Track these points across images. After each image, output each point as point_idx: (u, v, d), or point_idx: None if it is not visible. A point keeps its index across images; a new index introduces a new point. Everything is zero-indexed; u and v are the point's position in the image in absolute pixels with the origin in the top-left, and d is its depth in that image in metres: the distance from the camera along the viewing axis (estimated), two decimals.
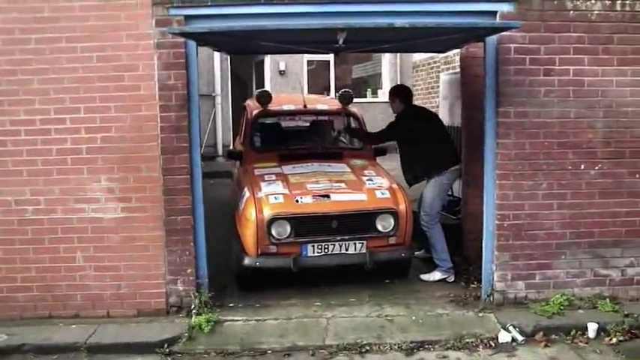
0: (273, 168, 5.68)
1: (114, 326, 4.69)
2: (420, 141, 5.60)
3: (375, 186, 5.35)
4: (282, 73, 13.26)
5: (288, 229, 4.96)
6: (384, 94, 14.58)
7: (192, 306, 4.79)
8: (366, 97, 14.72)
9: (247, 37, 4.58)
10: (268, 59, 12.95)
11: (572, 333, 4.49)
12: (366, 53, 13.60)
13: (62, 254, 4.82)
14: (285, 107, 6.62)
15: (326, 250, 5.00)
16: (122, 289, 4.86)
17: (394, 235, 5.13)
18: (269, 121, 6.71)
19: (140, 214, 4.82)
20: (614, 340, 4.41)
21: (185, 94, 4.73)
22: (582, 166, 4.88)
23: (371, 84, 15.28)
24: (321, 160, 5.80)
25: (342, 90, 6.82)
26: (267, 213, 4.95)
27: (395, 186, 5.45)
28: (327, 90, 14.10)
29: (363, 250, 5.03)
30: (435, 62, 10.86)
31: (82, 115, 4.75)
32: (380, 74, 14.88)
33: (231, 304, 5.05)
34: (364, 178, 5.50)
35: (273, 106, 6.44)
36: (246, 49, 7.21)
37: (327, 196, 5.11)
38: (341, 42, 4.62)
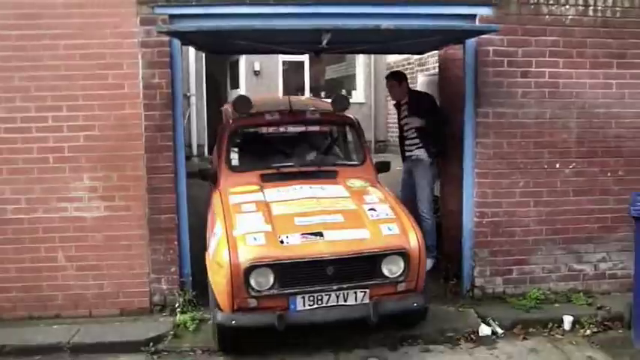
0: (253, 193, 4.60)
1: (97, 326, 4.66)
2: (440, 122, 5.71)
3: (380, 218, 4.28)
4: (257, 73, 13.26)
5: (272, 278, 3.90)
6: (357, 95, 14.75)
7: (177, 304, 4.79)
8: None
9: (233, 37, 4.61)
10: (243, 59, 12.93)
11: (548, 326, 4.65)
12: (339, 54, 13.75)
13: (43, 254, 4.78)
14: (269, 116, 5.23)
15: (319, 303, 3.99)
16: (105, 288, 4.84)
17: (404, 281, 4.10)
18: (249, 133, 5.36)
19: (123, 213, 4.80)
20: (589, 331, 4.59)
21: (169, 93, 4.75)
22: (557, 165, 5.06)
23: (345, 85, 15.39)
24: (311, 181, 4.76)
25: (337, 93, 5.85)
26: (245, 258, 3.87)
27: (404, 216, 4.41)
28: (302, 90, 14.16)
29: (366, 301, 4.04)
30: (409, 64, 11.04)
31: (64, 113, 4.71)
32: (354, 75, 15.00)
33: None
34: (366, 207, 4.41)
35: (253, 115, 5.22)
36: (228, 49, 7.15)
37: (320, 234, 4.06)
38: (324, 43, 4.68)
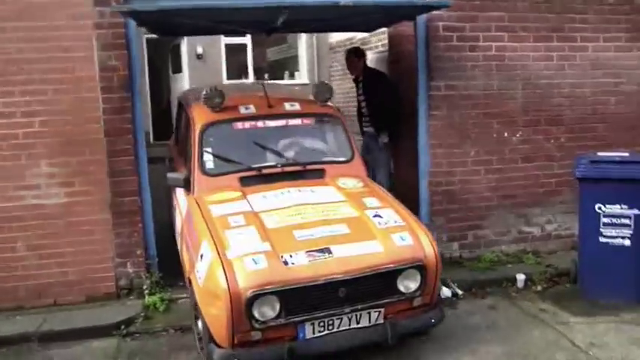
0: (236, 202, 4.03)
1: (64, 313, 4.60)
2: (395, 98, 5.83)
3: (390, 226, 3.80)
4: (199, 57, 13.07)
5: (278, 306, 3.38)
6: (301, 76, 14.83)
7: (144, 287, 4.79)
8: (283, 79, 14.85)
9: (191, 16, 4.58)
10: (185, 43, 12.72)
11: (503, 285, 4.98)
12: (281, 36, 13.77)
13: (1, 245, 4.65)
14: (244, 110, 4.60)
15: (330, 328, 3.53)
16: (69, 275, 4.76)
17: (420, 295, 3.69)
18: (222, 130, 4.55)
19: (85, 198, 4.73)
20: (540, 287, 4.96)
21: (127, 75, 4.69)
22: (505, 134, 5.36)
23: (288, 66, 15.40)
24: (298, 183, 4.28)
25: (319, 81, 4.87)
26: (246, 286, 3.30)
27: (413, 221, 3.95)
28: (245, 73, 14.08)
29: (380, 320, 3.63)
30: (351, 43, 11.12)
31: (16, 98, 4.57)
32: (297, 56, 15.04)
33: (181, 283, 5.04)
34: (369, 213, 3.91)
35: (226, 110, 4.55)
36: (184, 30, 6.99)
37: (328, 251, 3.53)
38: (280, 22, 4.74)
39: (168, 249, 5.34)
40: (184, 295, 4.83)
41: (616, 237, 4.52)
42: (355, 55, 6.13)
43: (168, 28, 5.77)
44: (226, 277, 3.33)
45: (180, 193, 4.61)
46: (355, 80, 6.26)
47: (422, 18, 5.12)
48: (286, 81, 14.70)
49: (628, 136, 5.57)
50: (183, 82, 12.64)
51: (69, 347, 4.21)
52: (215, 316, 3.42)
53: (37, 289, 4.73)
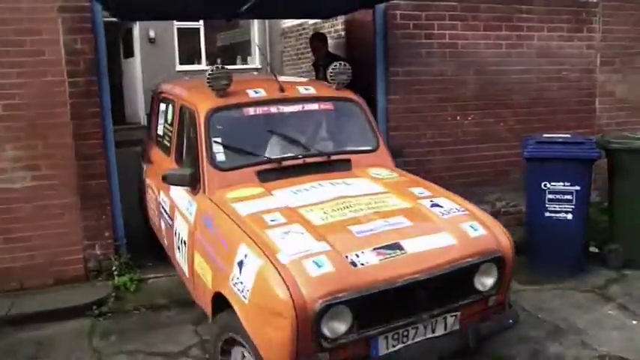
0: (263, 198, 3.42)
1: (33, 296, 4.63)
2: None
3: (453, 215, 3.31)
4: (152, 41, 12.93)
5: (350, 318, 2.73)
6: (253, 61, 14.89)
7: (113, 268, 4.86)
8: (235, 64, 14.87)
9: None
10: (137, 27, 12.56)
11: None
12: (234, 21, 13.75)
13: None
14: (253, 93, 4.00)
15: (404, 340, 2.95)
16: (37, 259, 4.77)
17: (496, 294, 3.20)
18: (232, 118, 3.94)
19: (52, 182, 4.75)
20: None
21: (93, 59, 4.72)
22: (458, 118, 5.68)
23: (240, 51, 15.41)
24: (326, 175, 3.73)
25: (337, 62, 4.32)
26: (313, 296, 2.62)
27: (475, 209, 3.52)
28: (199, 58, 14.03)
29: (456, 326, 3.08)
30: (303, 29, 11.29)
31: None
32: (248, 41, 15.07)
33: (150, 264, 5.17)
34: (424, 203, 3.42)
35: (232, 95, 3.94)
36: (146, 15, 6.95)
37: (399, 247, 2.96)
38: (247, 6, 4.85)
39: (137, 230, 5.46)
40: (153, 275, 4.97)
41: (560, 212, 4.91)
42: (319, 41, 6.34)
43: (132, 12, 5.77)
44: (287, 287, 2.61)
45: (176, 192, 3.98)
46: (315, 65, 6.45)
47: (380, 6, 5.34)
48: (239, 66, 14.75)
49: (570, 118, 6.01)
50: (135, 66, 12.51)
51: (42, 329, 4.25)
52: (271, 339, 2.68)
53: (4, 274, 4.72)
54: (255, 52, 14.77)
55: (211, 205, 3.46)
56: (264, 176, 3.67)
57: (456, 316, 3.07)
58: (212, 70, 3.85)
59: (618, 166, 5.03)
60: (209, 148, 3.68)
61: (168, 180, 3.75)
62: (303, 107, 4.09)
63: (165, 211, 4.30)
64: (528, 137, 5.05)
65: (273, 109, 3.99)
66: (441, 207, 3.38)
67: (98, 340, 4.11)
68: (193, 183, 3.69)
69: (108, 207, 4.90)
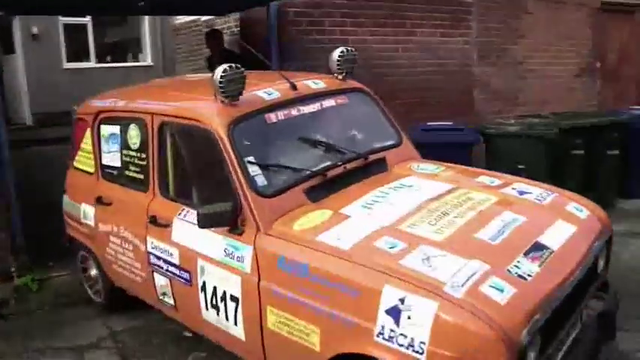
0: (342, 223, 2.76)
1: None
2: None
3: (550, 200, 3.10)
4: (35, 37, 12.27)
5: (539, 342, 2.32)
6: (145, 58, 14.59)
7: (12, 269, 4.74)
8: (126, 61, 14.50)
9: None
10: (17, 22, 11.84)
11: None
12: (121, 17, 13.44)
13: None
14: (266, 96, 3.31)
15: (562, 347, 2.60)
16: None
17: (603, 276, 3.06)
18: (256, 128, 3.18)
19: None
20: None
21: None
22: None
23: (130, 48, 15.02)
24: (374, 180, 3.27)
25: (342, 48, 3.91)
26: (513, 327, 2.16)
27: (559, 189, 3.29)
28: (87, 55, 13.50)
29: (584, 317, 2.82)
30: (196, 25, 11.26)
31: None
32: (138, 38, 14.72)
33: (51, 264, 5.06)
34: (510, 192, 3.16)
35: (248, 101, 3.19)
36: (40, 9, 6.59)
37: (544, 247, 2.64)
38: (142, 3, 4.91)
39: (37, 230, 5.29)
40: (55, 274, 4.89)
41: None
42: (215, 37, 6.48)
43: (22, 7, 5.56)
44: (485, 322, 2.13)
45: (191, 236, 3.11)
46: (209, 60, 6.58)
47: (274, 4, 5.58)
48: (130, 63, 14.39)
49: (453, 108, 6.59)
50: (17, 63, 11.84)
51: None
52: None
53: None
54: (147, 48, 14.47)
55: (286, 244, 2.69)
56: (314, 194, 3.01)
57: (586, 305, 2.84)
58: (225, 71, 3.01)
59: (493, 149, 5.63)
60: (245, 171, 2.88)
61: (201, 223, 2.80)
62: (321, 105, 3.52)
63: (168, 262, 3.29)
64: (415, 125, 5.50)
65: (294, 112, 3.35)
66: (530, 193, 3.13)
67: (1, 343, 4.00)
68: (226, 220, 2.84)
69: (5, 209, 4.75)
